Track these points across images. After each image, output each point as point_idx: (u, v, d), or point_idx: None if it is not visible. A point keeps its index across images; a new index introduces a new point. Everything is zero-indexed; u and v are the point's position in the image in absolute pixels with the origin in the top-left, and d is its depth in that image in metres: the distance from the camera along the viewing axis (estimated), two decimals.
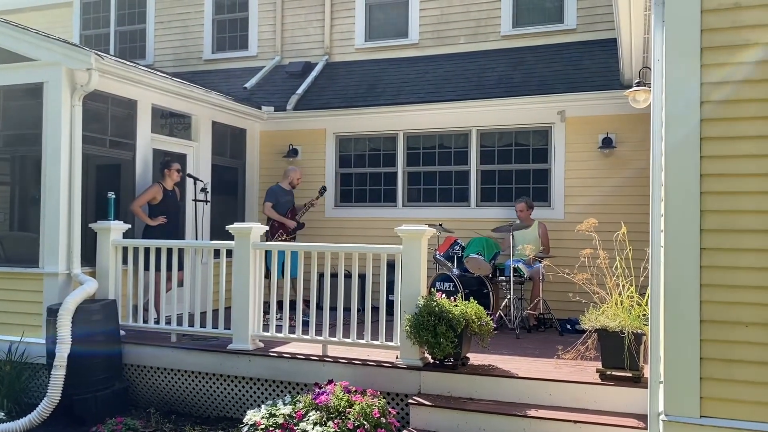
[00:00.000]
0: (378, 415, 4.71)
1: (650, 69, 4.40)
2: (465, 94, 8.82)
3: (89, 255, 6.63)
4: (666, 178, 3.95)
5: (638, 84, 6.67)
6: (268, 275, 6.77)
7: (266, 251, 6.44)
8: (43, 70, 6.49)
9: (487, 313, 5.55)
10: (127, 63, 7.47)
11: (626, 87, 7.34)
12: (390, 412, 4.93)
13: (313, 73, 10.36)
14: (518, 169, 8.59)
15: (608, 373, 4.97)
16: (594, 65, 8.81)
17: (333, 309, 5.94)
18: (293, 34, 11.19)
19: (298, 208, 8.38)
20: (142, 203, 7.17)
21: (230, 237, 6.19)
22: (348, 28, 10.79)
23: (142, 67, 7.70)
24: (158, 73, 8.11)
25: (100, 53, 6.57)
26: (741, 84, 3.83)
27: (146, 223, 7.17)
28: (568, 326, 7.17)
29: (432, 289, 7.12)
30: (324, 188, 8.60)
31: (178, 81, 8.03)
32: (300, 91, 9.80)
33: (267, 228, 6.91)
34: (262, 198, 9.57)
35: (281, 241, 8.02)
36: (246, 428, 4.90)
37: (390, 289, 6.41)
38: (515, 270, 7.29)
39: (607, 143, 7.97)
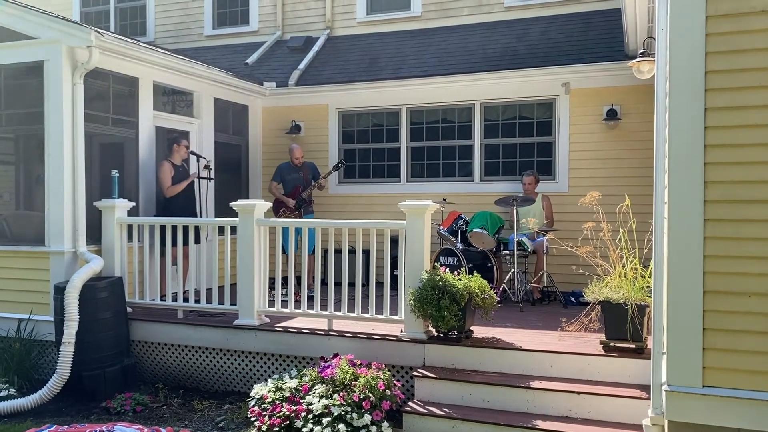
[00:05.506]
0: (383, 388, 4.76)
1: (655, 39, 4.34)
2: (468, 67, 8.74)
3: (94, 233, 6.66)
4: (670, 148, 3.92)
5: (643, 54, 6.58)
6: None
7: (283, 228, 6.43)
8: (44, 48, 6.46)
9: (491, 287, 5.57)
10: (128, 40, 7.42)
11: (631, 58, 7.25)
12: (395, 384, 4.99)
13: (315, 48, 10.27)
14: (522, 143, 8.54)
15: (611, 344, 5.00)
16: (599, 36, 8.71)
17: (338, 284, 5.98)
18: (294, 8, 11.09)
19: (307, 184, 8.36)
20: (169, 182, 7.23)
21: (234, 214, 6.21)
22: (349, 1, 10.68)
23: (143, 44, 7.64)
24: (159, 49, 8.05)
25: (100, 30, 6.52)
26: (746, 53, 3.78)
27: (167, 197, 7.23)
28: (572, 299, 7.20)
29: (436, 264, 7.14)
30: (341, 162, 8.46)
31: (180, 57, 7.98)
32: (302, 66, 9.72)
33: (271, 205, 6.93)
34: (267, 175, 9.61)
35: (285, 217, 8.03)
36: (253, 402, 4.97)
37: (394, 264, 6.42)
38: (519, 244, 7.30)
39: (611, 115, 7.90)
